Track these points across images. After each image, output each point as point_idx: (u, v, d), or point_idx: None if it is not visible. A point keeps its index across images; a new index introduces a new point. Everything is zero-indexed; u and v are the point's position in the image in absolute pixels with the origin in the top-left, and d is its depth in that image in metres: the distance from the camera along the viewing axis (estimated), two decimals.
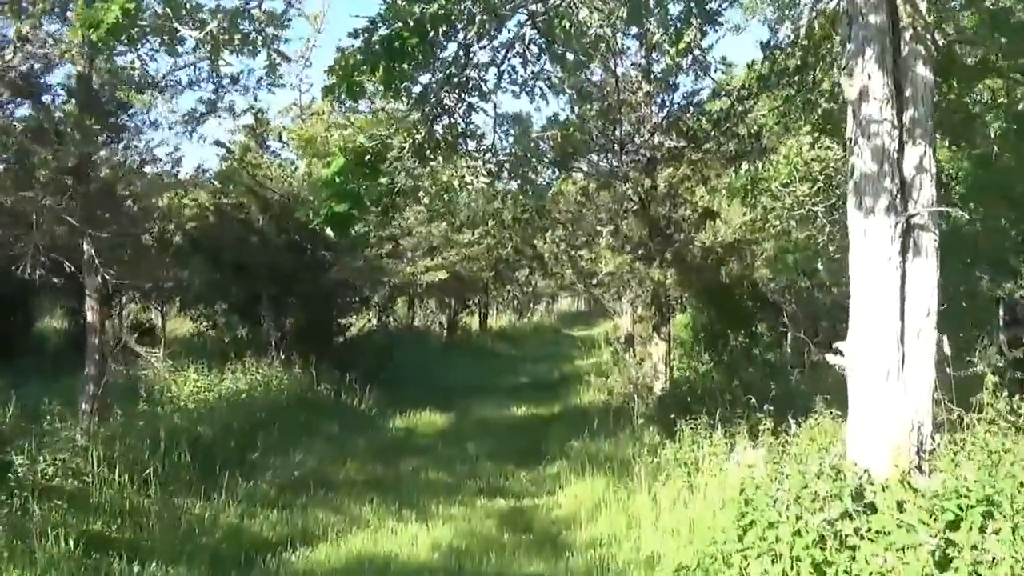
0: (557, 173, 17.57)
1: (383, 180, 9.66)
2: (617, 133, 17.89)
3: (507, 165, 11.23)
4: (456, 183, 10.67)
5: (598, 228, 17.65)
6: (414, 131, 10.06)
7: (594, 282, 17.47)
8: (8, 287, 15.91)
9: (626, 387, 20.44)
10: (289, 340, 21.21)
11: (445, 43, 9.57)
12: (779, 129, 15.69)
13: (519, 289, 49.37)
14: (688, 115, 18.18)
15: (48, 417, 11.61)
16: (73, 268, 11.65)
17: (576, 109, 17.18)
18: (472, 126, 10.58)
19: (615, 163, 17.84)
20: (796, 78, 11.90)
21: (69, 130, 11.32)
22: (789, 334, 21.68)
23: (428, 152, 10.26)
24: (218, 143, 21.03)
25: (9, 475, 9.97)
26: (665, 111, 18.59)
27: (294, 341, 21.24)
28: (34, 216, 10.68)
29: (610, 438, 16.52)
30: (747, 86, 17.49)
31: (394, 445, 17.77)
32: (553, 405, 23.19)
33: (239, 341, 21.61)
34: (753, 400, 13.15)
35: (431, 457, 16.68)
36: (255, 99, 14.92)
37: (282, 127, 21.51)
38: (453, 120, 10.30)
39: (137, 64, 6.62)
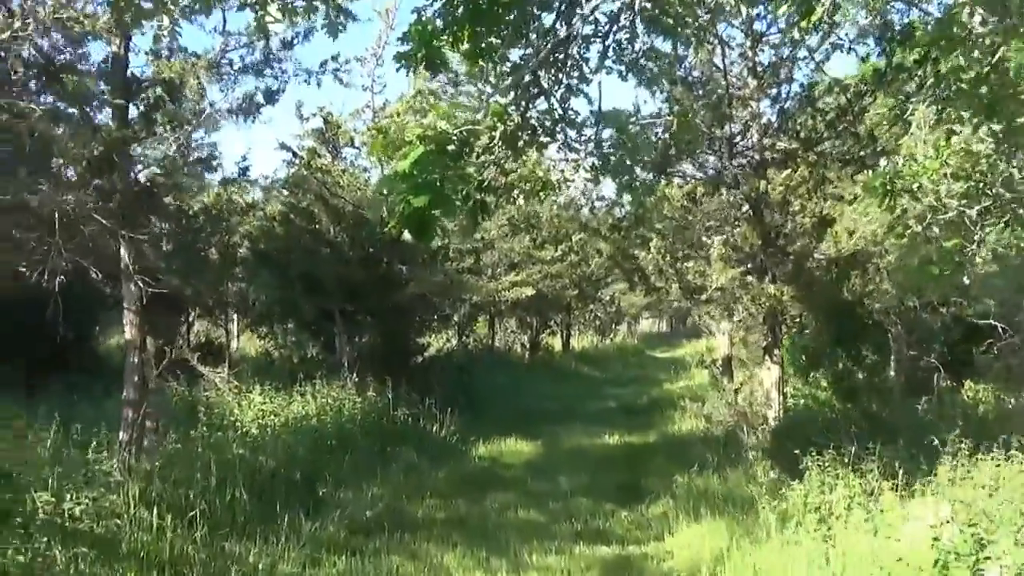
0: (656, 176, 15.84)
1: (470, 171, 8.02)
2: (726, 130, 16.11)
3: (612, 159, 9.49)
4: (554, 178, 8.94)
5: (704, 238, 15.87)
6: (505, 116, 8.39)
7: (702, 298, 15.60)
8: (69, 299, 14.41)
9: (730, 415, 18.74)
10: (363, 360, 19.60)
11: (540, 11, 7.99)
12: (899, 130, 13.88)
13: (602, 308, 47.72)
14: (800, 113, 16.38)
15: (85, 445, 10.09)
16: (101, 275, 9.94)
17: (680, 102, 15.33)
18: (572, 112, 8.88)
19: (723, 165, 16.05)
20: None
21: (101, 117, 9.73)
22: (892, 357, 19.78)
23: (522, 142, 8.62)
24: (284, 146, 19.57)
25: (29, 516, 8.41)
26: (776, 108, 16.80)
27: (369, 361, 19.63)
28: (56, 215, 9.01)
29: (718, 473, 14.78)
30: (865, 81, 15.71)
31: (478, 477, 16.08)
32: (647, 433, 21.39)
33: (309, 361, 20.04)
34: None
35: (520, 492, 15.01)
36: (318, 84, 13.15)
37: (353, 131, 19.96)
38: (550, 104, 8.63)
39: (166, 24, 5.13)
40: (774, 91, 16.71)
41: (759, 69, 16.56)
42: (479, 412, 21.47)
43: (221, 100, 12.09)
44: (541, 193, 9.26)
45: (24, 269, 9.95)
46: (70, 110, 9.63)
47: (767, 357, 15.75)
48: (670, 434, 20.80)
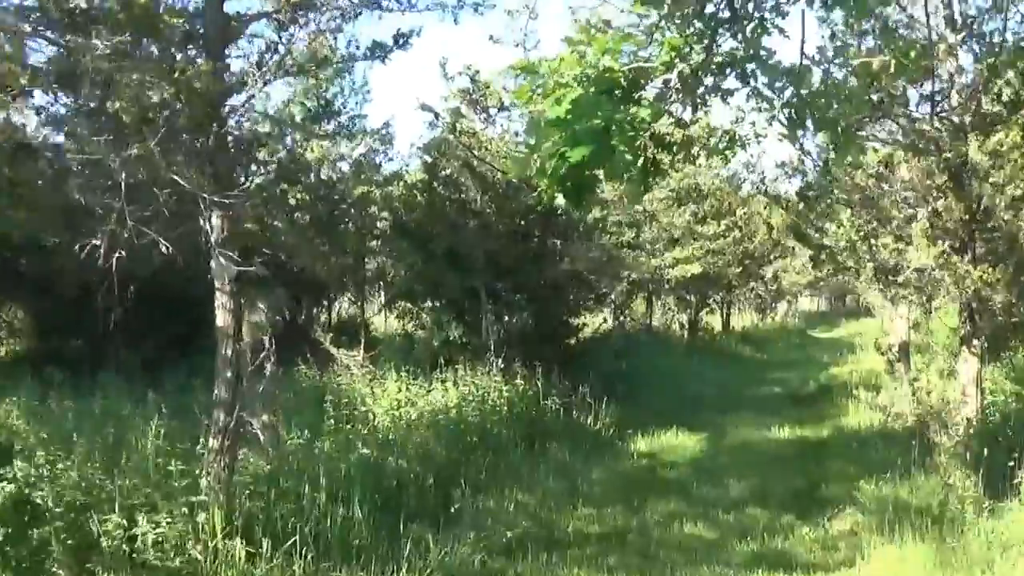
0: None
1: (643, 115, 6.21)
2: (928, 87, 13.79)
3: (814, 110, 7.50)
4: (742, 132, 7.01)
5: (899, 211, 13.58)
6: (684, 51, 6.55)
7: (899, 280, 13.28)
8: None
9: (913, 409, 16.62)
10: (511, 343, 17.87)
11: None
12: None
13: (763, 286, 45.41)
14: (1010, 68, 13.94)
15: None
16: (172, 250, 8.27)
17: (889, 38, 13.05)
18: (765, 51, 6.94)
19: (925, 127, 13.73)
20: None
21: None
22: None
23: (704, 87, 6.79)
24: (426, 107, 17.90)
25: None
26: (983, 64, 14.38)
27: (518, 344, 17.88)
28: (123, 176, 7.38)
29: (907, 480, 12.68)
30: None
31: (637, 479, 14.26)
32: (820, 426, 19.22)
33: (452, 343, 18.37)
34: None
35: (684, 499, 13.10)
36: (454, 20, 11.19)
37: (503, 89, 18.15)
38: (739, 39, 6.74)
39: None
40: (979, 46, 14.30)
41: (965, 17, 14.18)
42: (637, 400, 19.67)
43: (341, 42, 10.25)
44: (728, 151, 7.33)
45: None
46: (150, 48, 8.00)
47: (964, 347, 13.44)
48: (845, 428, 18.60)
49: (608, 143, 6.02)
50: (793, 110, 6.97)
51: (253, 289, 10.27)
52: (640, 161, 6.46)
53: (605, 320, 25.65)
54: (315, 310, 22.95)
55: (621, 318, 27.26)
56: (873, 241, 12.78)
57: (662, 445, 16.78)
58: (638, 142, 6.21)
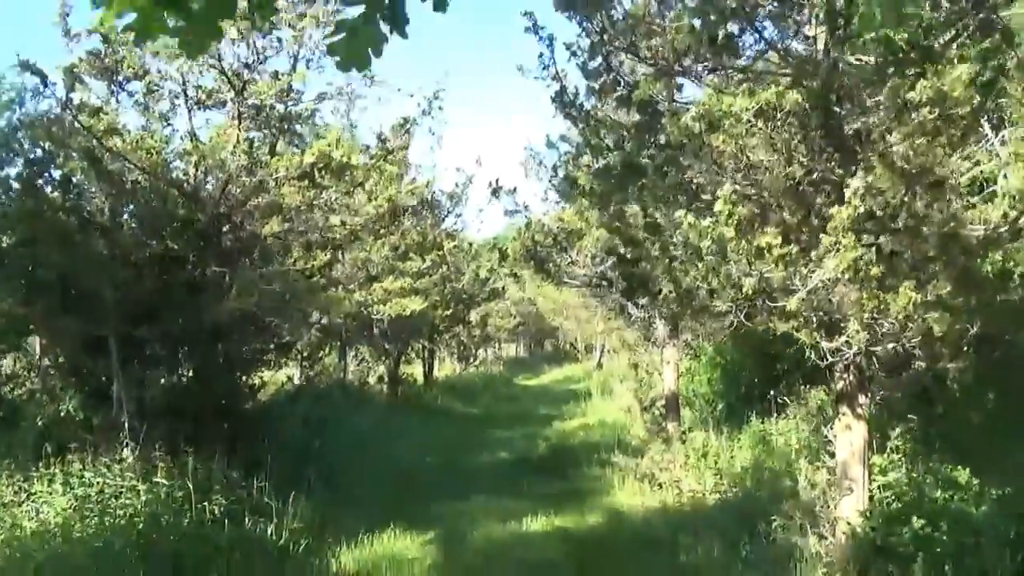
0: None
1: None
2: None
3: None
4: None
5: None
6: None
7: (788, 304, 8.01)
8: None
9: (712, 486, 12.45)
10: (154, 417, 12.20)
11: None
12: None
13: (466, 331, 41.16)
14: None
15: None
16: None
17: None
18: None
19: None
20: None
21: None
22: None
23: None
24: (28, 67, 11.85)
25: None
26: None
27: (164, 419, 12.26)
28: None
29: None
30: None
31: None
32: (584, 510, 14.53)
33: (66, 421, 12.47)
34: None
35: None
36: None
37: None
38: None
39: None
40: None
41: None
42: (336, 486, 14.39)
43: None
44: None
45: None
46: None
47: (847, 408, 8.99)
48: (621, 512, 14.15)
49: None
50: None
51: None
52: None
53: (289, 378, 20.17)
54: None
55: (311, 373, 21.74)
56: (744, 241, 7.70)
57: (377, 557, 11.52)
58: None
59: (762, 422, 15.97)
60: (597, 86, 9.69)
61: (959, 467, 9.83)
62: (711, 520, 11.93)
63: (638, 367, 22.75)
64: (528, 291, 44.38)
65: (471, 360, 47.80)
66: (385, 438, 20.89)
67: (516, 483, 17.07)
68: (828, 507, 9.40)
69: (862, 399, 8.84)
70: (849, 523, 8.77)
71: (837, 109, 7.91)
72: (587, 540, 12.46)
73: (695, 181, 8.70)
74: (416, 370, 36.04)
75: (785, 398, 16.08)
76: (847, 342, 7.79)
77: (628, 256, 10.05)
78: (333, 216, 13.36)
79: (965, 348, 8.38)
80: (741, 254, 7.12)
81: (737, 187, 7.85)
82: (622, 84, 9.46)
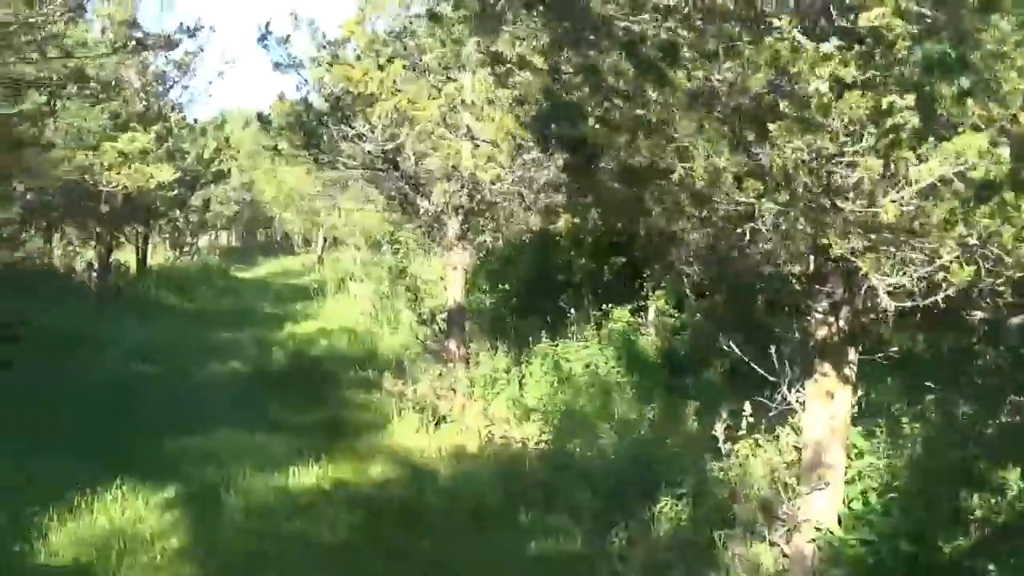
0: None
1: None
2: None
3: None
4: None
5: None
6: None
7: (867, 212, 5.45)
8: None
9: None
10: None
11: None
12: None
13: (184, 216, 36.92)
14: None
15: None
16: None
17: None
18: None
19: None
20: None
21: None
22: None
23: None
24: None
25: None
26: None
27: None
28: None
29: None
30: None
31: None
32: (355, 454, 11.35)
33: None
34: None
35: None
36: None
37: None
38: None
39: None
40: None
41: None
42: (33, 418, 10.88)
43: None
44: None
45: None
46: None
47: (829, 367, 6.21)
48: (411, 460, 11.28)
49: None
50: None
51: None
52: None
53: None
54: None
55: (8, 259, 17.73)
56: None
57: (99, 535, 7.97)
58: None
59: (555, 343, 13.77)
60: None
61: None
62: (553, 488, 9.17)
63: (406, 271, 19.79)
64: (258, 176, 41.14)
65: (186, 248, 43.52)
66: (97, 340, 17.25)
67: (260, 406, 13.93)
68: (787, 504, 6.78)
69: (852, 354, 6.24)
70: (820, 528, 6.23)
71: None
72: (387, 512, 9.18)
73: None
74: (129, 257, 31.69)
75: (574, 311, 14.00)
76: (923, 279, 5.05)
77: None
78: (52, 47, 9.58)
79: None
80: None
81: None
82: None
